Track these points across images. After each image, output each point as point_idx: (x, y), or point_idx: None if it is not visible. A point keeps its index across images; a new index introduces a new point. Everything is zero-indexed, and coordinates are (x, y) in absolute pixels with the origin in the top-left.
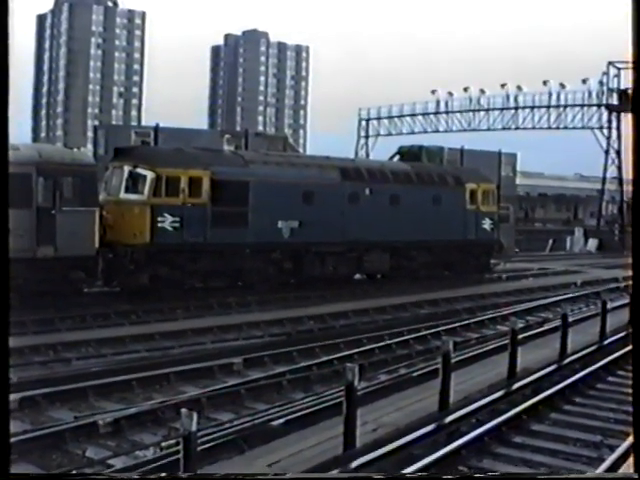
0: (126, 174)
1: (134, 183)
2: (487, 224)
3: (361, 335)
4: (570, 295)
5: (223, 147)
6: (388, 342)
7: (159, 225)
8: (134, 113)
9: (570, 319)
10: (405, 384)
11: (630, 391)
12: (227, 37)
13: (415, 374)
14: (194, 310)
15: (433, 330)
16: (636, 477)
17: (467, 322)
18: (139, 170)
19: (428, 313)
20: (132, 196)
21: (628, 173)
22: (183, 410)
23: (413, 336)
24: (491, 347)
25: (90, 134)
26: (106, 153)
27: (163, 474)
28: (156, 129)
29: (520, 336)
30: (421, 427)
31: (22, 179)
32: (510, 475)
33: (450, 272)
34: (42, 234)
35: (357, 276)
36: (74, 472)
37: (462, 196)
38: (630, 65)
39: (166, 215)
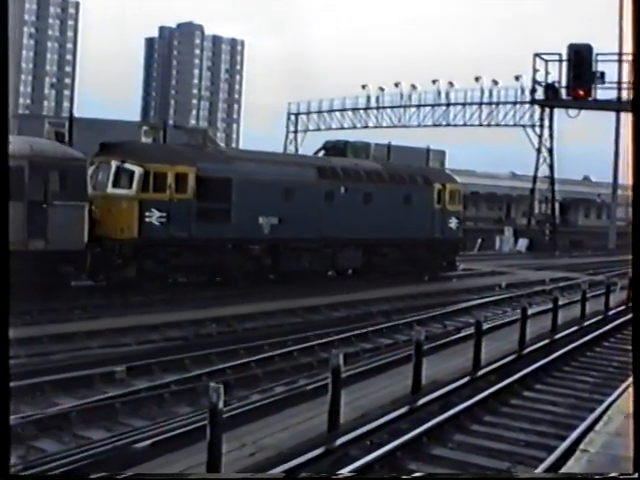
0: (114, 169)
1: (122, 178)
2: (453, 223)
3: (263, 341)
4: (491, 299)
5: (141, 138)
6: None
7: (147, 220)
8: (66, 104)
9: (491, 324)
10: (295, 400)
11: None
12: (161, 29)
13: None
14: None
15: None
16: (636, 477)
17: (378, 327)
18: (127, 165)
19: (339, 317)
20: (120, 191)
21: (561, 172)
22: None
23: (301, 346)
24: (403, 356)
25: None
26: None
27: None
28: (70, 119)
29: (436, 343)
30: (307, 451)
31: (14, 172)
32: (506, 475)
33: (418, 269)
34: (33, 227)
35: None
36: (74, 473)
37: (430, 195)
38: (630, 59)
39: (153, 210)
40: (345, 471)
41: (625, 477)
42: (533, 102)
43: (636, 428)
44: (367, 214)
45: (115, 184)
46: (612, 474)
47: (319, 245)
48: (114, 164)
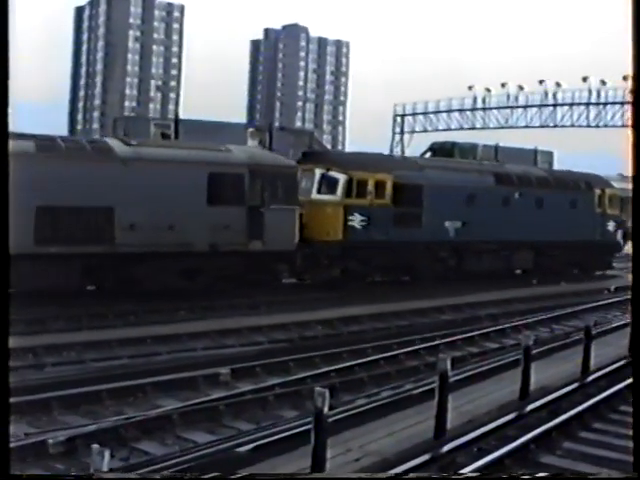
0: (318, 176)
1: (327, 185)
2: (611, 226)
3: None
4: (600, 303)
5: (247, 140)
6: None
7: (349, 224)
8: (172, 107)
9: (600, 329)
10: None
11: None
12: (267, 31)
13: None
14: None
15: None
16: (636, 477)
17: (485, 332)
18: (332, 173)
19: (448, 320)
20: (325, 197)
21: None
22: None
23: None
24: (510, 361)
25: None
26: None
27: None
28: (176, 121)
29: (544, 348)
30: (413, 457)
31: (236, 179)
32: (511, 476)
33: (579, 269)
34: (253, 230)
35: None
36: (74, 472)
37: (592, 200)
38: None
39: (356, 214)
40: (467, 470)
41: (625, 477)
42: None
43: (636, 428)
44: (538, 218)
45: (319, 190)
46: (612, 474)
47: (497, 247)
48: (318, 172)
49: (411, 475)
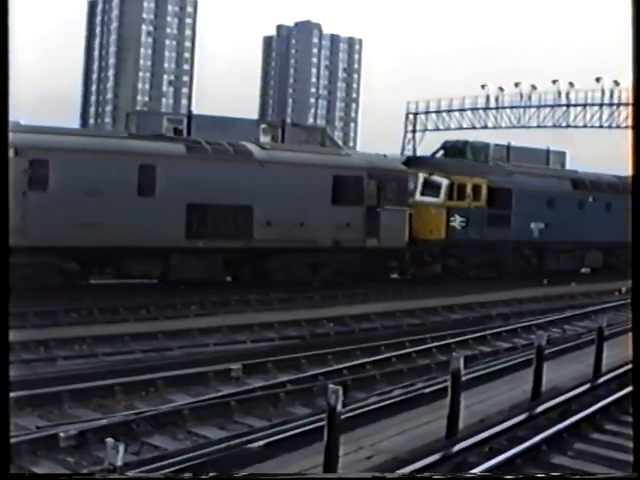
0: (421, 180)
1: (431, 188)
2: None
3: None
4: (611, 304)
5: (259, 136)
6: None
7: (450, 224)
8: (184, 102)
9: (611, 330)
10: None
11: None
12: (279, 28)
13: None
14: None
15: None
16: (636, 477)
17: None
18: (435, 177)
19: (458, 319)
20: (428, 199)
21: None
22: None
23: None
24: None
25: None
26: None
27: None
28: (189, 116)
29: (556, 348)
30: (424, 456)
31: (356, 181)
32: (511, 476)
33: None
34: (369, 228)
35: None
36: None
37: None
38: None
39: (456, 215)
40: (478, 470)
41: (625, 477)
42: None
43: (636, 428)
44: (607, 221)
45: (423, 193)
46: (612, 474)
47: (573, 247)
48: (422, 176)
49: (422, 475)
